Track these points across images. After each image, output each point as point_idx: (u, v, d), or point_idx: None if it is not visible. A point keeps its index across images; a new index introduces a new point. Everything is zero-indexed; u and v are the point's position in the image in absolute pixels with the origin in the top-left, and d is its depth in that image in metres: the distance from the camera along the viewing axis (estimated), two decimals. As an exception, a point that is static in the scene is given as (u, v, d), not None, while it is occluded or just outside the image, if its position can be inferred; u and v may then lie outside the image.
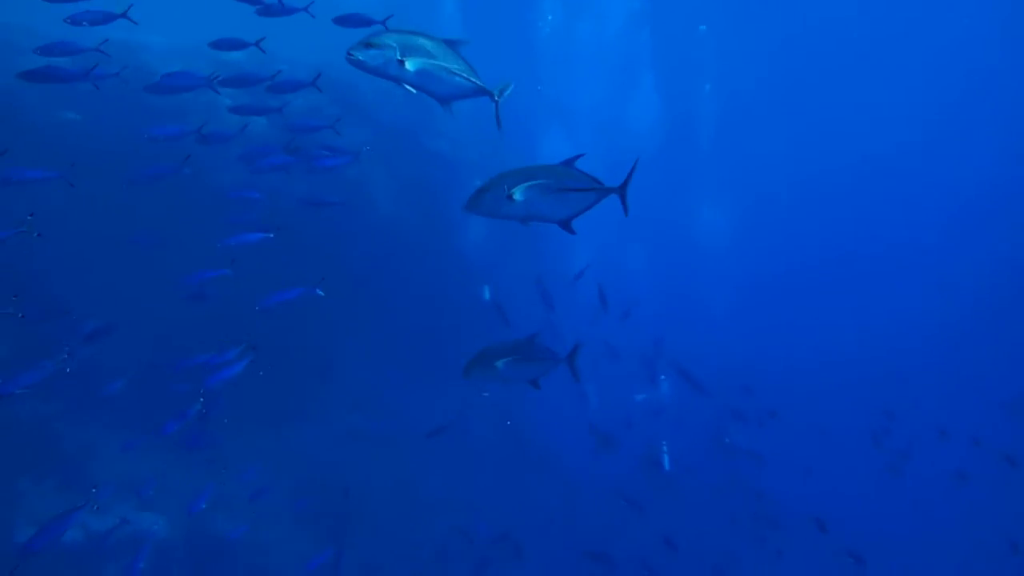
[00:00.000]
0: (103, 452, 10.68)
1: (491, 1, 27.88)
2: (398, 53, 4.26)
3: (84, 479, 10.22)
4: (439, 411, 13.26)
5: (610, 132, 30.81)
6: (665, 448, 16.00)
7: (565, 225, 4.79)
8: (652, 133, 32.17)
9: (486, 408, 14.76)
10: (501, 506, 13.63)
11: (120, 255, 10.98)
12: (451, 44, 4.56)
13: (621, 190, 4.77)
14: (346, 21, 8.22)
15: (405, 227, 14.67)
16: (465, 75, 4.58)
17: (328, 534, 11.77)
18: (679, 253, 32.26)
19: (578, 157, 4.80)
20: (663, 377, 16.20)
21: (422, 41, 4.40)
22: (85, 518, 9.35)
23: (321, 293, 7.92)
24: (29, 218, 5.92)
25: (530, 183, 4.43)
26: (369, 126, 15.14)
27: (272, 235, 8.80)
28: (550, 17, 28.97)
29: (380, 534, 12.26)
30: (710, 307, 30.05)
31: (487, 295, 15.80)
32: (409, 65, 4.29)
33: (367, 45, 4.23)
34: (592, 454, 15.07)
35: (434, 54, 4.42)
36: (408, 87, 4.46)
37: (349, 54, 4.22)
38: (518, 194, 4.39)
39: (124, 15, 7.97)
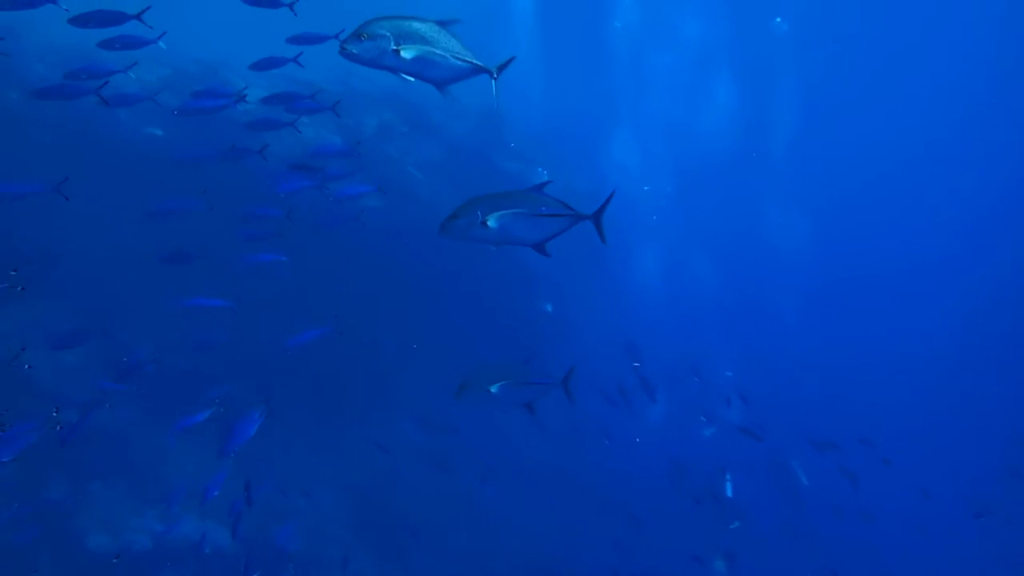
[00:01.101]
0: (173, 458, 10.94)
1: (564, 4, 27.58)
2: (392, 42, 4.12)
3: (154, 484, 10.49)
4: (501, 429, 13.20)
5: (682, 136, 30.32)
6: (729, 478, 15.55)
7: (539, 248, 4.83)
8: (726, 135, 31.30)
9: (549, 428, 14.60)
10: (557, 532, 13.45)
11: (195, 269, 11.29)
12: (444, 24, 4.42)
13: (596, 217, 4.84)
14: (298, 40, 8.25)
15: (471, 248, 14.73)
16: (462, 56, 4.44)
17: (388, 550, 11.78)
18: (752, 261, 31.07)
19: (546, 184, 4.85)
20: (730, 405, 15.74)
21: (415, 26, 4.25)
22: (152, 524, 9.55)
23: (339, 332, 7.95)
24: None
25: (503, 210, 4.46)
26: (440, 145, 15.32)
27: (285, 259, 8.90)
28: (617, 24, 28.64)
29: (439, 552, 12.23)
30: (782, 319, 28.92)
31: (549, 308, 15.72)
32: (405, 53, 4.15)
33: (360, 36, 4.10)
34: (656, 484, 14.75)
35: (429, 38, 4.28)
36: (405, 76, 4.33)
37: (342, 48, 4.10)
38: (492, 221, 4.43)
39: (156, 41, 8.19)
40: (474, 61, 4.48)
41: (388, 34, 4.10)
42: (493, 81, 4.64)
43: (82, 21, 7.41)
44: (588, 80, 31.25)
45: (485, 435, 13.40)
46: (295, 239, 9.88)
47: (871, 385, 24.15)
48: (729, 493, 15.27)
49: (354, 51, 4.09)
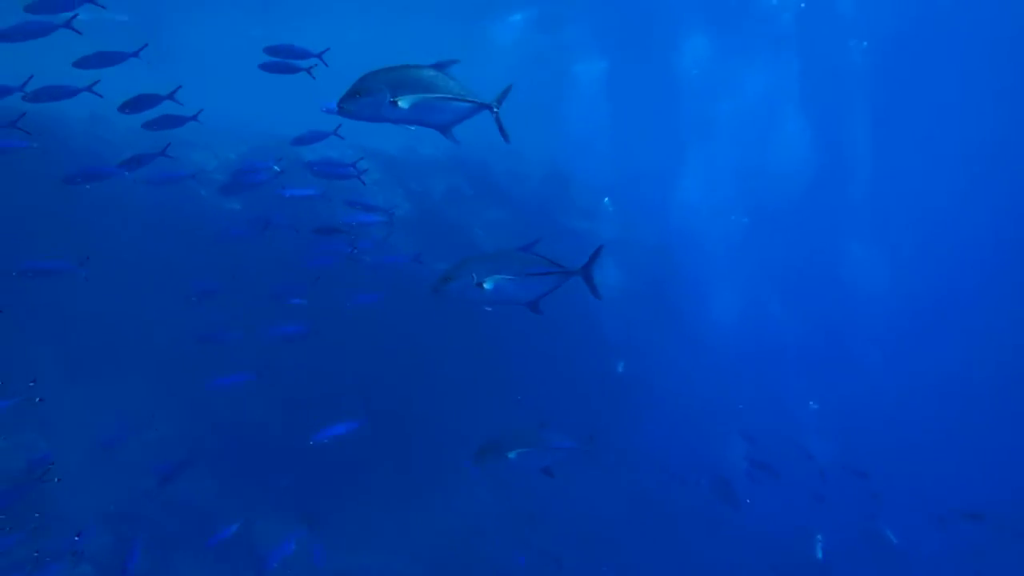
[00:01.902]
0: (260, 528, 11.03)
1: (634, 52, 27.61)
2: (389, 94, 4.07)
3: (241, 554, 10.56)
4: (572, 491, 12.90)
5: (754, 175, 29.74)
6: (820, 539, 14.87)
7: (532, 308, 4.87)
8: (799, 172, 30.48)
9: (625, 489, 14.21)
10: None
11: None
12: (440, 67, 4.36)
13: (585, 272, 4.92)
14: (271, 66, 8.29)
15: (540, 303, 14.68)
16: (461, 97, 4.38)
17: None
18: (832, 301, 29.75)
19: (535, 243, 4.95)
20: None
21: (410, 74, 4.19)
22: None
23: (367, 424, 8.00)
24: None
25: (497, 271, 4.51)
26: (506, 207, 15.47)
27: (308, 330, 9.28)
28: (694, 72, 28.42)
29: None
30: (867, 363, 27.49)
31: (621, 368, 15.47)
32: (402, 103, 4.09)
33: (356, 94, 4.05)
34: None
35: (425, 84, 4.22)
36: (406, 126, 4.30)
37: (340, 107, 4.07)
38: (488, 283, 4.47)
39: (194, 117, 8.59)
40: (473, 99, 4.42)
41: (383, 87, 4.06)
42: (494, 115, 4.57)
43: (130, 108, 7.99)
44: (656, 130, 31.27)
45: (558, 496, 13.09)
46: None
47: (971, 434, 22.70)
48: (819, 555, 14.64)
49: (352, 109, 4.06)
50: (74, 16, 7.14)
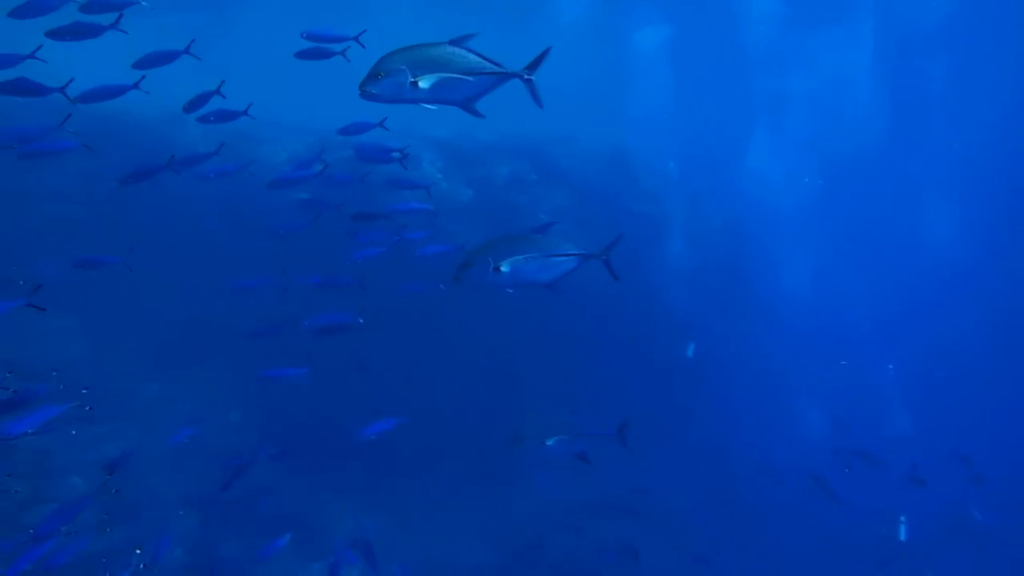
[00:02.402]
0: (332, 511, 11.34)
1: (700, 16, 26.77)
2: (409, 74, 3.99)
3: (318, 539, 10.89)
4: (639, 480, 12.81)
5: (827, 133, 28.61)
6: (903, 520, 14.44)
7: (551, 289, 4.90)
8: (874, 128, 29.08)
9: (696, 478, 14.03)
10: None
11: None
12: (458, 42, 4.25)
13: (605, 256, 4.97)
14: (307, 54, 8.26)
15: (607, 290, 14.57)
16: (483, 69, 4.24)
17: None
18: (913, 272, 28.37)
19: (551, 224, 5.06)
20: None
21: (429, 52, 4.10)
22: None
23: (407, 421, 8.03)
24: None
25: (514, 254, 4.55)
26: (569, 191, 15.37)
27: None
28: (765, 36, 27.44)
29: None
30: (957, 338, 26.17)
31: (691, 353, 15.26)
32: (423, 83, 4.03)
33: (376, 75, 3.99)
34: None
35: (445, 61, 4.11)
36: (428, 106, 4.22)
37: (361, 90, 4.00)
38: (505, 266, 4.51)
39: (245, 112, 8.80)
40: (498, 69, 4.31)
41: (404, 67, 4.00)
42: (527, 83, 4.42)
43: (192, 107, 8.45)
44: (723, 97, 30.46)
45: (624, 484, 13.03)
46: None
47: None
48: (903, 537, 14.25)
49: (374, 91, 4.01)
50: (120, 17, 7.34)
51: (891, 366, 18.87)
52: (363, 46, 8.17)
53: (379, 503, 11.24)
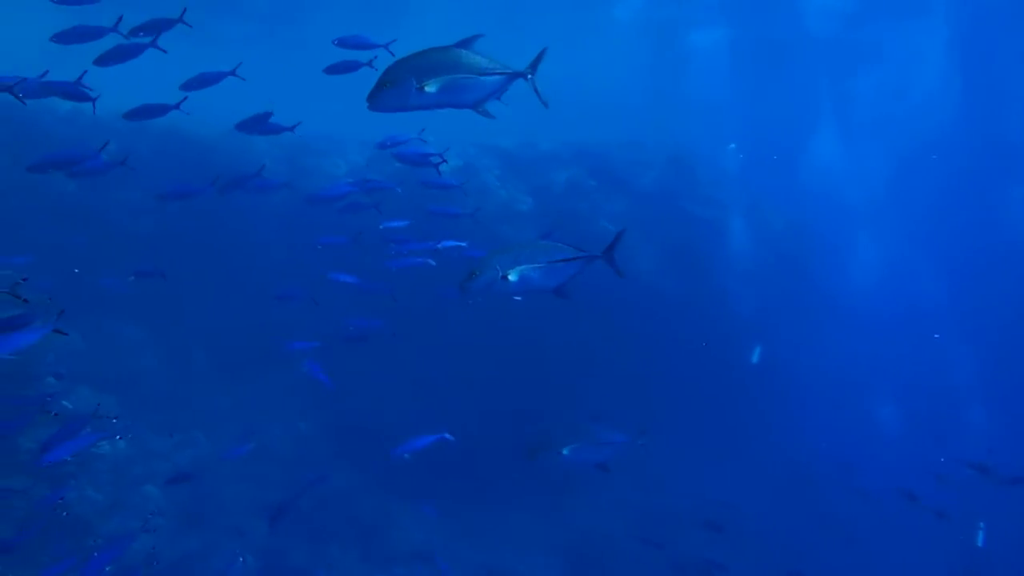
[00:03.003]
0: (398, 521, 11.42)
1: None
2: (415, 81, 3.99)
3: (384, 548, 10.98)
4: (709, 485, 12.55)
5: (897, 126, 27.57)
6: (982, 526, 13.82)
7: (559, 293, 4.88)
8: (946, 118, 27.81)
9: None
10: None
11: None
12: (464, 44, 4.23)
13: (607, 255, 4.96)
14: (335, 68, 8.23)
15: (669, 295, 14.35)
16: (489, 70, 4.22)
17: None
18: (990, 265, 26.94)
19: (553, 231, 5.12)
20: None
21: (434, 57, 4.09)
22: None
23: (450, 438, 7.97)
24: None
25: (520, 262, 4.59)
26: (629, 196, 15.22)
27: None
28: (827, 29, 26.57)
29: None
30: None
31: (756, 358, 14.92)
32: (429, 88, 4.01)
33: (382, 85, 3.97)
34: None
35: (450, 65, 4.11)
36: (436, 109, 4.19)
37: (368, 101, 4.01)
38: (513, 275, 4.54)
39: (292, 129, 8.94)
40: (503, 70, 4.29)
41: (409, 74, 3.99)
42: (529, 81, 4.43)
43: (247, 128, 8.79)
44: (787, 98, 29.75)
45: (696, 490, 12.80)
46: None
47: None
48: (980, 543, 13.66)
49: (381, 101, 4.01)
50: (154, 40, 7.53)
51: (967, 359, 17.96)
52: (392, 55, 8.22)
53: (446, 511, 11.27)
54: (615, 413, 13.22)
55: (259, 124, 8.71)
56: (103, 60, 7.22)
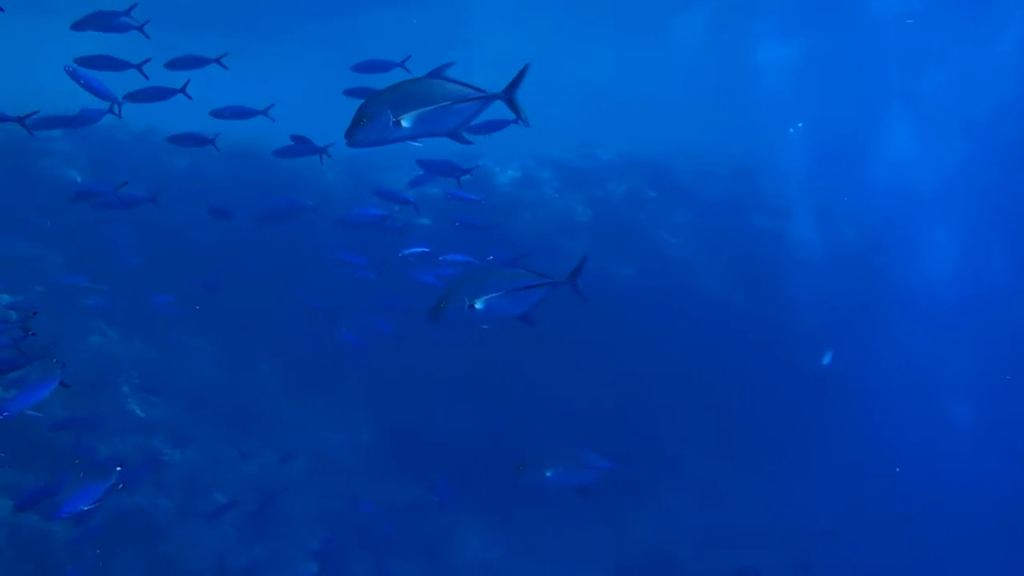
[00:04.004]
0: (460, 533, 11.45)
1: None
2: (391, 114, 4.01)
3: (446, 560, 11.02)
4: (786, 505, 12.21)
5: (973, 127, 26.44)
6: None
7: (526, 320, 4.97)
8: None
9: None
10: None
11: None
12: (436, 73, 4.25)
13: (572, 281, 5.03)
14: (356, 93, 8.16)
15: (735, 308, 14.07)
16: (463, 96, 4.21)
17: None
18: None
19: (524, 256, 5.09)
20: None
21: (408, 88, 4.13)
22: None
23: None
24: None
25: (486, 290, 4.68)
26: (691, 207, 15.02)
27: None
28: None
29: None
30: None
31: (827, 360, 14.46)
32: (405, 121, 4.02)
33: (359, 121, 4.00)
34: None
35: (425, 95, 4.12)
36: (414, 143, 4.22)
37: (347, 137, 4.02)
38: (479, 303, 4.63)
39: (325, 150, 8.94)
40: (478, 94, 4.28)
41: (385, 108, 4.03)
42: (507, 102, 4.37)
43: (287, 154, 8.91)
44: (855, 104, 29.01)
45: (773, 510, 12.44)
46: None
47: None
48: None
49: (359, 137, 4.03)
50: (187, 83, 7.78)
51: None
52: (409, 71, 8.26)
53: (505, 525, 11.25)
54: (683, 427, 13.10)
55: (294, 150, 8.90)
56: (136, 97, 7.49)
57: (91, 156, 13.18)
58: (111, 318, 11.52)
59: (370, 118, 4.00)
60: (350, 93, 8.14)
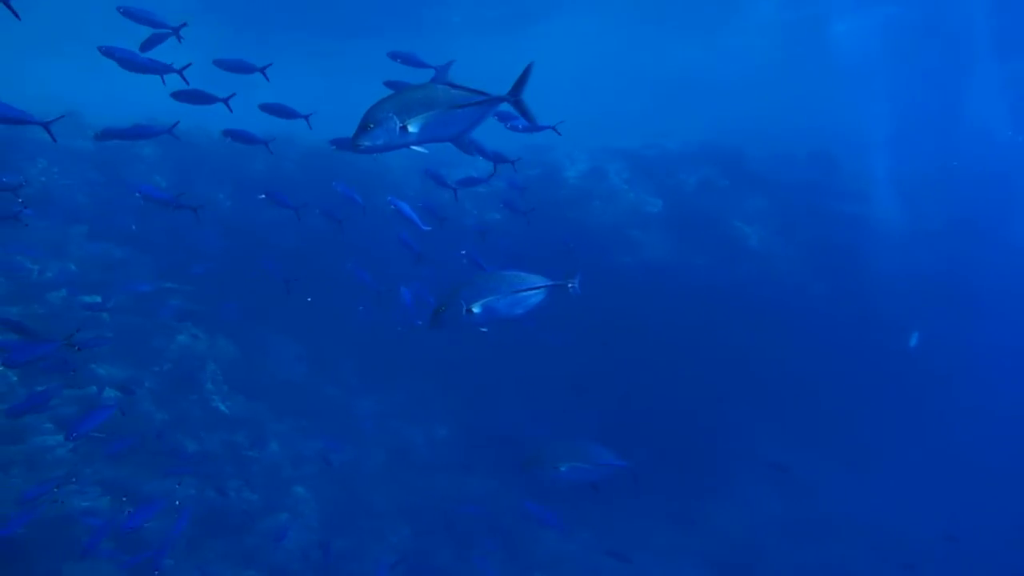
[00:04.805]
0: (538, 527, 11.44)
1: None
2: (398, 120, 3.99)
3: (525, 554, 11.04)
4: (859, 494, 11.80)
5: None
6: None
7: (525, 321, 4.97)
8: None
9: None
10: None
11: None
12: (439, 77, 4.24)
13: (569, 283, 5.07)
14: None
15: (815, 296, 13.62)
16: (468, 101, 4.18)
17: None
18: None
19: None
20: None
21: (414, 95, 4.11)
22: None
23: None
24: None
25: (484, 295, 4.69)
26: (764, 194, 14.61)
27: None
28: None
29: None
30: None
31: (914, 342, 13.86)
32: (412, 127, 4.01)
33: (367, 127, 3.98)
34: None
35: (430, 100, 4.10)
36: (419, 149, 4.16)
37: (354, 145, 3.99)
38: (476, 307, 4.65)
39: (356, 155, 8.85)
40: (483, 97, 4.25)
41: (392, 114, 4.02)
42: (514, 103, 4.32)
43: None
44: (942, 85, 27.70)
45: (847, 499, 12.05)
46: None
47: None
48: None
49: (367, 144, 4.01)
50: (232, 95, 7.95)
51: None
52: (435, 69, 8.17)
53: (584, 519, 11.19)
54: (763, 417, 12.75)
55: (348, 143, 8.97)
56: (180, 96, 7.68)
57: (176, 160, 13.68)
58: (197, 318, 11.96)
59: (377, 124, 4.03)
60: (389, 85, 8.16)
